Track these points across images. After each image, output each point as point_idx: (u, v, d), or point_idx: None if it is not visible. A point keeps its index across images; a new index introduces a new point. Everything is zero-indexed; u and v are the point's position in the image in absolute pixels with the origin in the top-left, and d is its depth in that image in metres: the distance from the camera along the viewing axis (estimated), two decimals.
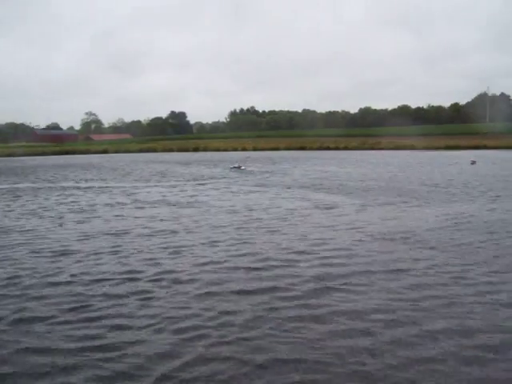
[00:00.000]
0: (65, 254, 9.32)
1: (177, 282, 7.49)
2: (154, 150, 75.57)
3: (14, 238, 10.88)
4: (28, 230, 11.71)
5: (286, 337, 5.45)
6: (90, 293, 6.98)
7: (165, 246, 9.85)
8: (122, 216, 13.59)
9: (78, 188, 21.83)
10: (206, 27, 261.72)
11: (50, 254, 9.27)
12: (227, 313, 6.16)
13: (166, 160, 47.57)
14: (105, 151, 76.52)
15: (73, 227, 12.05)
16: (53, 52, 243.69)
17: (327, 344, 5.24)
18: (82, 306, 6.45)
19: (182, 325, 5.78)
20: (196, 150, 74.08)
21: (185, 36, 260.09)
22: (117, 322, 5.90)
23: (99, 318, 6.03)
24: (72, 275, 7.82)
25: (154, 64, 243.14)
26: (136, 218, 13.15)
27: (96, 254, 9.23)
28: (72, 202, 16.97)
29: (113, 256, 9.06)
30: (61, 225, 12.34)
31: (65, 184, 24.23)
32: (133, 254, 9.25)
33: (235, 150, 68.98)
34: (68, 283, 7.44)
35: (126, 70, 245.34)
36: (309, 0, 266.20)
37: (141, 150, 75.91)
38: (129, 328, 5.70)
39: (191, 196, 17.73)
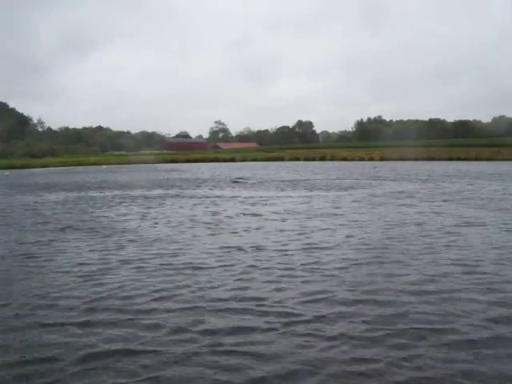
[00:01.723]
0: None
1: None
2: (281, 159, 75.66)
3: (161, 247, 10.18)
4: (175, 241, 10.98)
5: None
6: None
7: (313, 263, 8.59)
8: (262, 227, 12.53)
9: (207, 197, 21.35)
10: (338, 34, 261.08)
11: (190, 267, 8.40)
12: None
13: (293, 168, 46.77)
14: (232, 159, 77.74)
15: (210, 239, 11.19)
16: (185, 61, 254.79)
17: None
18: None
19: None
20: (323, 159, 73.06)
21: (317, 43, 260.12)
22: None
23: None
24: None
25: (284, 73, 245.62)
26: (281, 230, 12.04)
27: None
28: (210, 210, 16.30)
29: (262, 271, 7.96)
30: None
31: (201, 191, 23.91)
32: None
33: (362, 159, 67.01)
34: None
35: (255, 79, 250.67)
36: (446, 7, 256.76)
37: (268, 159, 76.38)
38: None
39: (335, 207, 16.39)
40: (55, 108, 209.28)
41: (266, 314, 5.91)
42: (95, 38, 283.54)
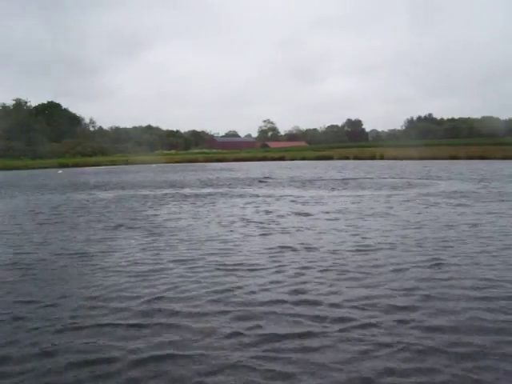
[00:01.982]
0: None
1: None
2: (330, 158, 75.10)
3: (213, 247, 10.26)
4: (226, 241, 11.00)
5: None
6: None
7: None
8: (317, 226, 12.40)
9: (258, 196, 21.35)
10: (388, 30, 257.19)
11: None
12: None
13: (343, 167, 46.32)
14: (281, 158, 77.67)
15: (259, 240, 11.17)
16: (234, 60, 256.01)
17: None
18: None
19: None
20: (372, 157, 72.06)
21: (366, 40, 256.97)
22: None
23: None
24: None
25: (333, 71, 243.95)
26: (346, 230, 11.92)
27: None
28: (261, 209, 16.31)
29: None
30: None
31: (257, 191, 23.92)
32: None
33: (412, 158, 65.72)
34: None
35: (304, 78, 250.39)
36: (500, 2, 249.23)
37: (317, 158, 75.96)
38: None
39: (387, 207, 16.11)
40: (106, 108, 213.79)
41: (321, 318, 5.76)
42: (145, 38, 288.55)
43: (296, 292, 6.81)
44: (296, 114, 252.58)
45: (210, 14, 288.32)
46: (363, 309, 6.07)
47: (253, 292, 6.86)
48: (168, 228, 12.60)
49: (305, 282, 7.28)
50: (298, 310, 6.09)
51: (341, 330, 5.39)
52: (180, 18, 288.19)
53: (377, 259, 8.61)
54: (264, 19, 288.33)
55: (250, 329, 5.49)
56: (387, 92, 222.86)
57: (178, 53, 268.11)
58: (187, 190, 24.69)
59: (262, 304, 6.32)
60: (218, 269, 8.17)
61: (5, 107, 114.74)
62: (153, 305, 6.38)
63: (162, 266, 8.44)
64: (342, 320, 5.69)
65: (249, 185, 27.50)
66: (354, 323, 5.59)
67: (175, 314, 6.04)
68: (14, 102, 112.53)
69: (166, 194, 22.51)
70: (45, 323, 5.75)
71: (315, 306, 6.18)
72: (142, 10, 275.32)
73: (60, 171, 57.10)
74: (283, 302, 6.39)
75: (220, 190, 24.11)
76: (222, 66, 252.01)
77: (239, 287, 7.09)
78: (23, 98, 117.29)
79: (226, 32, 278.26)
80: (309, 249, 9.58)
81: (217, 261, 8.75)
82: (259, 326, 5.57)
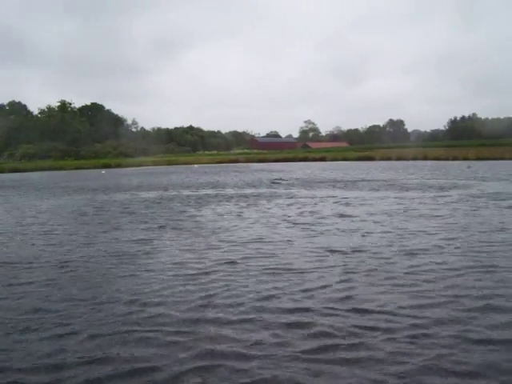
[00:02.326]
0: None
1: None
2: (372, 158, 74.26)
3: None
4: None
5: None
6: None
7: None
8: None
9: (301, 196, 21.17)
10: (431, 30, 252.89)
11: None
12: None
13: (385, 168, 45.62)
14: (322, 159, 77.25)
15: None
16: (275, 61, 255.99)
17: None
18: None
19: None
20: (414, 158, 70.80)
21: (409, 40, 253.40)
22: None
23: None
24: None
25: (374, 71, 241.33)
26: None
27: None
28: (305, 210, 16.17)
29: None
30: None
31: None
32: None
33: (456, 158, 64.25)
34: None
35: (346, 77, 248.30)
36: None
37: (358, 158, 75.26)
38: None
39: (432, 208, 15.70)
40: (148, 109, 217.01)
41: (371, 328, 5.49)
42: (187, 38, 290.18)
43: (343, 298, 6.55)
44: (337, 114, 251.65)
45: (252, 14, 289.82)
46: (415, 317, 5.75)
47: (299, 298, 6.63)
48: (211, 229, 12.53)
49: (352, 288, 7.02)
50: (346, 317, 5.84)
51: (391, 341, 5.13)
52: (221, 18, 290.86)
53: (425, 263, 8.25)
54: (306, 18, 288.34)
55: (297, 339, 5.28)
56: (430, 91, 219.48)
57: (220, 53, 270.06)
58: (230, 191, 24.72)
59: (308, 310, 6.10)
60: (264, 272, 7.99)
61: (50, 109, 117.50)
62: (197, 311, 6.20)
63: (206, 269, 8.29)
64: (392, 330, 5.41)
65: (291, 185, 27.37)
66: (405, 333, 5.30)
67: (220, 321, 5.84)
68: (58, 104, 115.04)
69: (208, 195, 22.58)
70: (89, 329, 5.67)
71: (364, 315, 5.91)
72: (184, 9, 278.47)
73: (103, 171, 58.11)
74: (331, 309, 6.15)
75: (262, 191, 24.05)
76: (263, 66, 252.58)
77: (285, 293, 6.84)
78: (67, 99, 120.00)
79: (267, 31, 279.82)
80: (355, 251, 9.31)
81: (262, 264, 8.56)
82: (306, 335, 5.36)
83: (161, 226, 13.12)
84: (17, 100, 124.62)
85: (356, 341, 5.16)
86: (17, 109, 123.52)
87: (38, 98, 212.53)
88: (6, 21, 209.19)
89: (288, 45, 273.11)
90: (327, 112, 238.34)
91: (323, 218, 14.01)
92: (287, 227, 12.53)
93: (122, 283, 7.63)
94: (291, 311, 6.11)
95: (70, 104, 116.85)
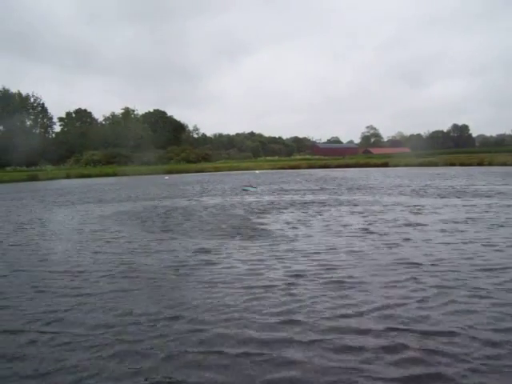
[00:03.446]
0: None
1: None
2: (435, 164, 72.06)
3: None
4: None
5: None
6: None
7: None
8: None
9: (368, 204, 20.32)
10: (498, 31, 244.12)
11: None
12: None
13: (450, 174, 43.84)
14: (384, 164, 75.60)
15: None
16: (336, 64, 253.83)
17: None
18: None
19: None
20: (480, 164, 68.15)
21: (474, 42, 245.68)
22: None
23: None
24: None
25: (440, 73, 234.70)
26: None
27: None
28: (373, 219, 15.35)
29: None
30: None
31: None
32: None
33: None
34: None
35: (409, 81, 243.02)
36: None
37: (420, 164, 73.26)
38: None
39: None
40: (209, 114, 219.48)
41: (460, 358, 4.74)
42: (246, 43, 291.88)
43: (422, 319, 5.79)
44: (399, 120, 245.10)
45: (312, 17, 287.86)
46: (505, 340, 5.01)
47: (370, 318, 5.92)
48: (277, 238, 11.94)
49: (431, 308, 6.22)
50: (428, 343, 5.11)
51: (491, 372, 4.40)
52: (281, 22, 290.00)
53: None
54: (367, 20, 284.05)
55: (386, 365, 4.61)
56: (497, 95, 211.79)
57: (280, 57, 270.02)
58: (293, 197, 24.14)
59: (392, 330, 5.42)
60: (335, 286, 7.34)
61: (114, 116, 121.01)
62: (261, 330, 5.60)
63: (271, 282, 7.71)
64: (490, 358, 4.67)
65: (356, 191, 26.52)
66: (497, 362, 4.57)
67: (287, 342, 5.23)
68: (122, 111, 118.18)
69: (272, 202, 22.07)
70: (151, 349, 5.24)
71: (450, 343, 5.12)
72: (242, 13, 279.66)
73: (166, 177, 58.88)
74: (408, 331, 5.42)
75: (327, 197, 23.32)
76: (323, 70, 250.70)
77: (362, 311, 6.16)
78: (130, 105, 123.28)
79: (327, 34, 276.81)
80: (433, 264, 8.47)
81: (332, 277, 7.90)
82: (396, 361, 4.69)
83: (225, 234, 12.69)
84: (83, 107, 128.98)
85: (435, 370, 4.50)
86: (82, 116, 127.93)
87: (102, 105, 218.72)
88: (72, 30, 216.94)
89: (349, 47, 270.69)
90: (389, 117, 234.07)
91: (393, 226, 13.13)
92: (355, 236, 11.77)
93: (185, 296, 7.19)
94: (374, 333, 5.44)
95: (133, 111, 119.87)
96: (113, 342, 5.42)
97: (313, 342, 5.23)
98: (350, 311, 6.18)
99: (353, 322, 5.76)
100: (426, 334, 5.35)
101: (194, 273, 8.49)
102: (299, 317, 6.00)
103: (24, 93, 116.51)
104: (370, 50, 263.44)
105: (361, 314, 6.05)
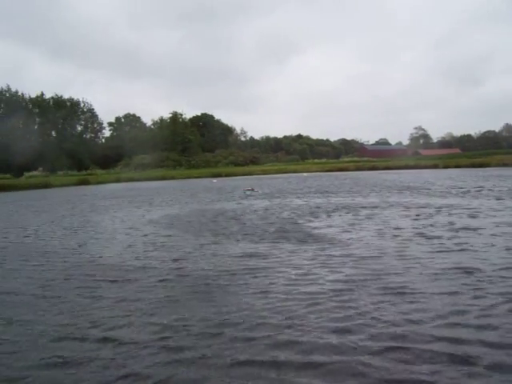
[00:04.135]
0: None
1: None
2: (487, 165, 70.16)
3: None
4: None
5: None
6: None
7: None
8: None
9: (420, 207, 19.73)
10: None
11: None
12: None
13: (504, 175, 42.37)
14: (434, 166, 74.00)
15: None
16: (385, 64, 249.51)
17: None
18: None
19: None
20: None
21: None
22: None
23: None
24: None
25: (492, 71, 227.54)
26: None
27: None
28: (426, 223, 14.77)
29: None
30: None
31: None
32: None
33: None
34: None
35: (459, 80, 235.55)
36: None
37: (472, 165, 71.51)
38: None
39: None
40: (256, 117, 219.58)
41: None
42: (293, 44, 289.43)
43: (490, 329, 5.44)
44: (449, 120, 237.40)
45: (360, 15, 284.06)
46: None
47: (433, 326, 5.60)
48: (328, 241, 11.66)
49: (497, 316, 5.83)
50: (498, 353, 4.80)
51: None
52: (329, 21, 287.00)
53: None
54: (416, 18, 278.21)
55: (459, 377, 4.32)
56: None
57: (327, 58, 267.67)
58: (343, 200, 23.73)
59: (445, 346, 5.05)
60: (391, 293, 7.02)
61: (162, 120, 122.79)
62: (319, 338, 5.36)
63: (325, 288, 7.45)
64: None
65: (407, 193, 25.89)
66: None
67: (351, 350, 5.02)
68: (170, 115, 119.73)
69: (320, 204, 21.78)
70: (203, 358, 5.14)
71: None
72: (289, 15, 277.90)
73: (214, 180, 59.23)
74: (476, 342, 5.08)
75: (378, 200, 22.84)
76: (374, 71, 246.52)
77: (420, 321, 5.83)
78: (178, 109, 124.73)
79: (376, 33, 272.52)
80: (495, 270, 8.01)
81: (388, 282, 7.60)
82: (469, 373, 4.41)
83: (273, 238, 12.46)
84: (131, 112, 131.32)
85: None
86: (131, 120, 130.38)
87: (151, 109, 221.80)
88: (120, 35, 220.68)
89: (398, 47, 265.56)
90: (439, 117, 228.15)
91: (448, 230, 12.58)
92: (409, 240, 11.36)
93: (239, 303, 7.02)
94: (440, 343, 5.13)
95: (182, 115, 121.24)
96: (171, 349, 5.35)
97: (378, 351, 5.00)
98: (411, 318, 5.89)
99: (416, 331, 5.47)
100: (493, 345, 5.02)
101: (245, 278, 8.30)
102: (358, 325, 5.77)
103: (75, 98, 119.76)
104: (419, 49, 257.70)
105: (423, 322, 5.75)
